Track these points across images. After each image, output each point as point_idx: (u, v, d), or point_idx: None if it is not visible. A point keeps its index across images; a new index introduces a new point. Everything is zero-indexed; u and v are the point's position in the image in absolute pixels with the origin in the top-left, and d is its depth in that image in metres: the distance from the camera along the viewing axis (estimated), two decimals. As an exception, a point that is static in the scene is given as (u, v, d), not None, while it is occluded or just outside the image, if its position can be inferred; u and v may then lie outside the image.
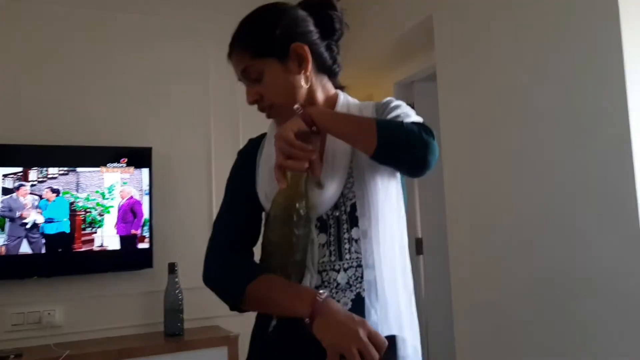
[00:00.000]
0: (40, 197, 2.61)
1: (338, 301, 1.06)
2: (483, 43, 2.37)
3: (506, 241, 2.23)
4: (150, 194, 2.76)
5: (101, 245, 2.69)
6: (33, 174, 2.62)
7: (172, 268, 2.69)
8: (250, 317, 1.25)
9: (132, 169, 2.74)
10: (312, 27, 1.16)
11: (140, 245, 2.73)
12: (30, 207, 2.58)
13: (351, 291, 1.08)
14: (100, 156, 2.70)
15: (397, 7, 3.02)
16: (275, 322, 1.11)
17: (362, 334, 0.95)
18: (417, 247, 3.57)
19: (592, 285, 1.85)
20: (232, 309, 1.14)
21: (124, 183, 2.74)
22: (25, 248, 2.55)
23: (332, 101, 1.19)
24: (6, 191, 2.54)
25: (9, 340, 2.51)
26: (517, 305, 2.17)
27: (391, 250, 1.10)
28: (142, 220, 2.74)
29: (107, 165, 2.70)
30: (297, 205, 1.05)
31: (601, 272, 1.82)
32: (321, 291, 1.02)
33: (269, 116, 1.20)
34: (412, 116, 1.12)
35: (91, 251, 2.67)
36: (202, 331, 2.73)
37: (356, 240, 1.09)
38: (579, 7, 1.90)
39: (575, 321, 1.91)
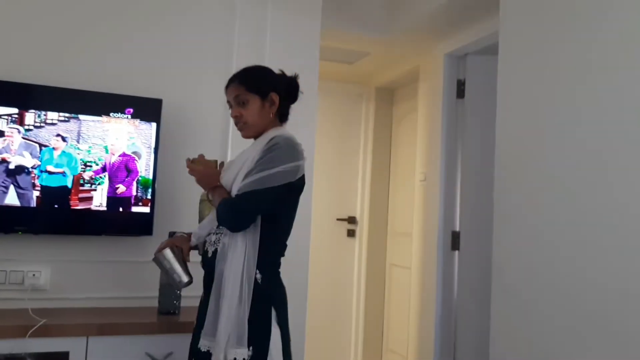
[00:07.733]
0: (41, 144, 2.32)
1: (206, 250, 1.81)
2: (564, 9, 1.94)
3: (561, 246, 1.84)
4: (156, 151, 2.44)
5: (100, 205, 2.40)
6: (30, 118, 2.34)
7: (173, 237, 2.37)
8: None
9: (137, 121, 2.43)
10: (283, 90, 1.85)
11: (139, 209, 2.42)
12: (24, 154, 2.30)
13: (215, 245, 1.78)
14: (103, 104, 2.39)
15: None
16: None
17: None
18: (453, 241, 3.18)
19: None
20: None
21: (131, 137, 2.43)
22: (12, 199, 2.28)
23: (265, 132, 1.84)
24: (-2, 133, 2.26)
25: (-16, 299, 2.24)
26: (562, 319, 1.78)
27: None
28: (136, 179, 2.42)
29: (111, 114, 2.39)
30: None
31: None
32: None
33: (240, 129, 1.84)
34: (259, 175, 1.70)
35: (88, 210, 2.38)
36: (201, 311, 2.41)
37: None
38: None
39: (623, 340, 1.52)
